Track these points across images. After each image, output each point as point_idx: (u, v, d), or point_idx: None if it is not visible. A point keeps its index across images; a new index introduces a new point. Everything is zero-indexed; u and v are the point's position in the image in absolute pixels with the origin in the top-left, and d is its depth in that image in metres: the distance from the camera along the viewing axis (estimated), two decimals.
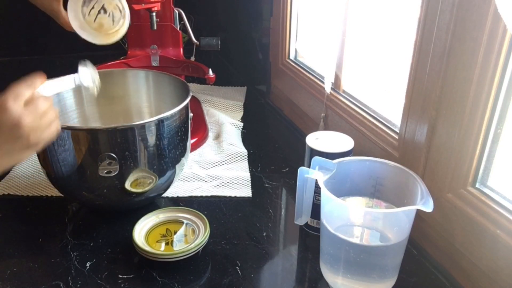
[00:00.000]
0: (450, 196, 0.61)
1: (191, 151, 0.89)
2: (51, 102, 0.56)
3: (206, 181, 0.84)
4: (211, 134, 1.02)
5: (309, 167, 0.62)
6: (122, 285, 0.61)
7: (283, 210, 0.78)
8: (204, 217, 0.69)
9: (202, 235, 0.65)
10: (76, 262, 0.65)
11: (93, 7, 0.68)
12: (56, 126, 0.57)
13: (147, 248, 0.63)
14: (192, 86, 1.27)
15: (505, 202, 0.55)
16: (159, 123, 0.67)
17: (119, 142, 0.65)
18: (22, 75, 0.54)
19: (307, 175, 0.61)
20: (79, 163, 0.66)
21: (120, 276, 0.62)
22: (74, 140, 0.64)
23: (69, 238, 0.70)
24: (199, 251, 0.65)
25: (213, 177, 0.86)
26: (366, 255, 0.56)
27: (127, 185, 0.67)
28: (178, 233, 0.68)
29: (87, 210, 0.77)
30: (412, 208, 0.54)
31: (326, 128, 0.93)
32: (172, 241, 0.66)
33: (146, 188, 0.70)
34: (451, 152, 0.60)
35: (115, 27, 0.70)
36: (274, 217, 0.76)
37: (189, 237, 0.67)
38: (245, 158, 0.92)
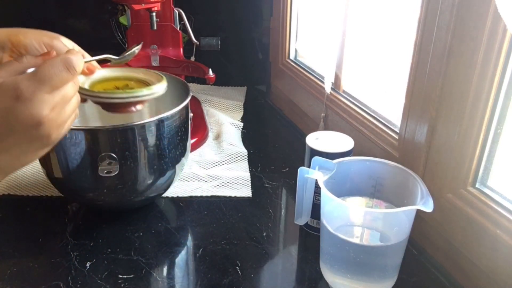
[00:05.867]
0: (450, 196, 0.61)
1: (191, 151, 0.89)
2: (78, 84, 0.44)
3: (206, 181, 0.84)
4: (211, 134, 1.02)
5: (309, 167, 0.62)
6: (122, 285, 0.61)
7: (283, 210, 0.78)
8: (163, 76, 0.58)
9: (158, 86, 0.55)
10: (76, 262, 0.65)
11: None
12: (76, 113, 0.45)
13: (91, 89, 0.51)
14: (192, 86, 1.27)
15: (505, 202, 0.55)
16: (159, 123, 0.67)
17: (119, 142, 0.65)
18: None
19: (307, 175, 0.61)
20: (79, 163, 0.66)
21: (120, 276, 0.62)
22: (74, 140, 0.64)
23: (69, 238, 0.70)
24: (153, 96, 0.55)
25: (213, 177, 0.86)
26: (366, 255, 0.56)
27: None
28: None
29: (87, 210, 0.77)
30: (412, 208, 0.54)
31: (326, 128, 0.93)
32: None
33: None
34: (451, 152, 0.60)
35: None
36: (274, 217, 0.76)
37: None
38: (245, 158, 0.92)
